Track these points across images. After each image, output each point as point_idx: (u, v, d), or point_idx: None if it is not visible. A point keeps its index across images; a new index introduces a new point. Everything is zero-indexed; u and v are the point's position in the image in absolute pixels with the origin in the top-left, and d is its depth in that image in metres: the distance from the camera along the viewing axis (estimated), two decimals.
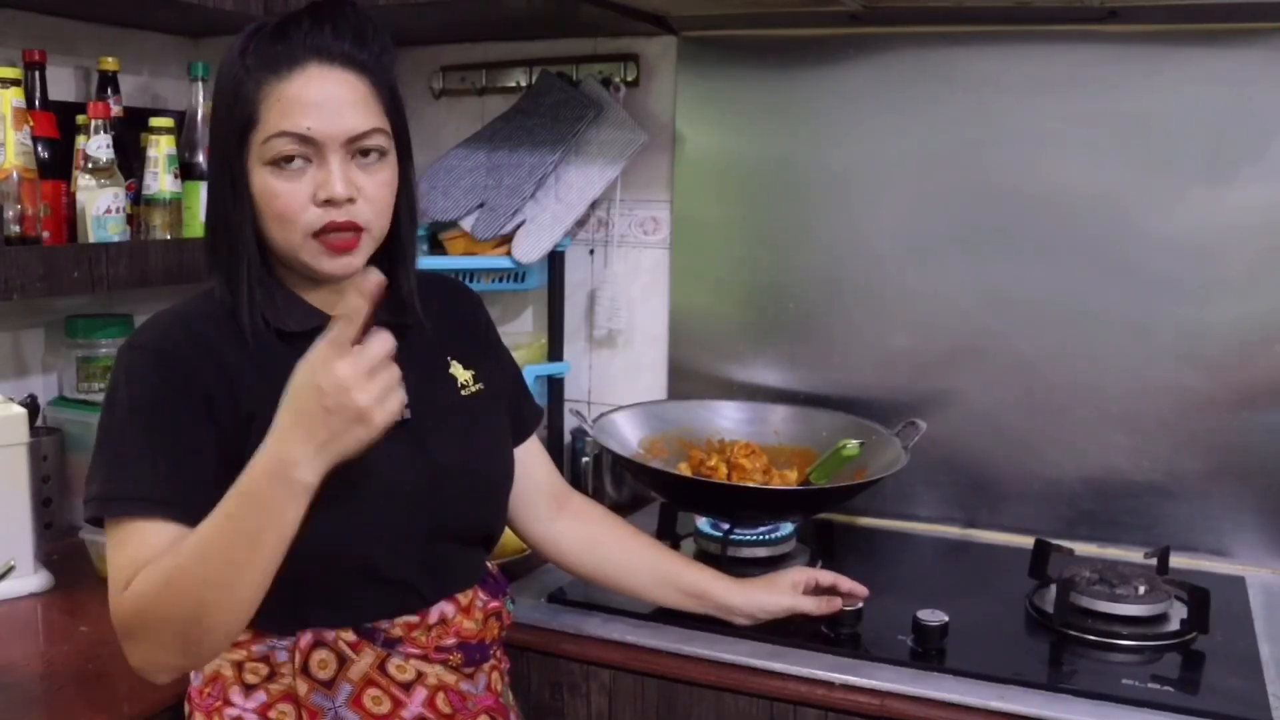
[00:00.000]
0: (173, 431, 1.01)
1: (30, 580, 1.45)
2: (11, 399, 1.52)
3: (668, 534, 1.63)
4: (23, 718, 1.12)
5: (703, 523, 1.60)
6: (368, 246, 1.08)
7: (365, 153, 1.05)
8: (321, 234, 1.04)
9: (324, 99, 1.02)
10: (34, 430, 1.55)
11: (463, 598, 1.14)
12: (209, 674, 1.09)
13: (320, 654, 1.06)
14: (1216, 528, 1.62)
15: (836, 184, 1.79)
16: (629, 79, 1.91)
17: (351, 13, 1.05)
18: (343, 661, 1.06)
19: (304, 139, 1.02)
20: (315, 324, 1.04)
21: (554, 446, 1.99)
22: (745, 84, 1.83)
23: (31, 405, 1.60)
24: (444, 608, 1.12)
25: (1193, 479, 1.63)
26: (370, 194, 1.05)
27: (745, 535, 1.56)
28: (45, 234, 1.51)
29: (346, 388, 0.89)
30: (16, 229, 1.45)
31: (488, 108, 2.01)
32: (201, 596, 0.93)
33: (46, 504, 1.61)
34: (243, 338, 1.06)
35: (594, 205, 1.92)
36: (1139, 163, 1.62)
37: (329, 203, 1.03)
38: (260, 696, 1.07)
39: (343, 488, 0.97)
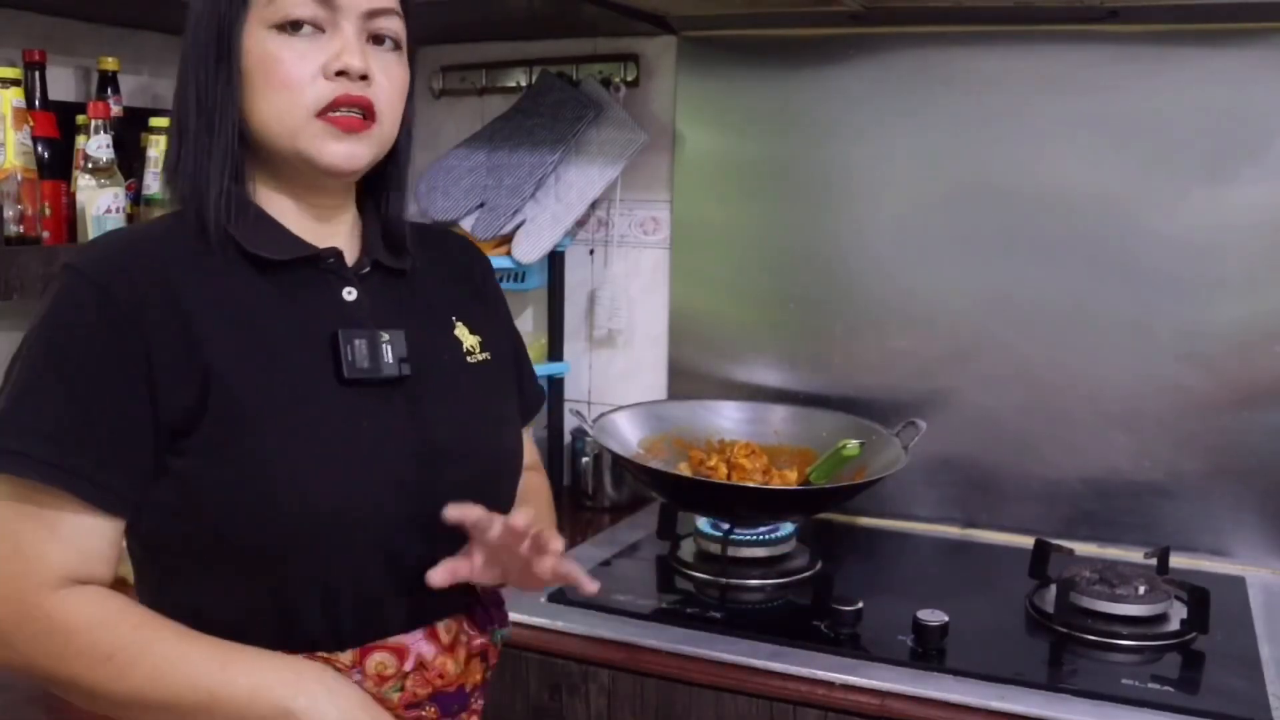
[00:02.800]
0: (104, 392, 0.84)
1: None
2: None
3: (668, 534, 1.63)
4: (23, 718, 1.12)
5: (703, 523, 1.60)
6: (374, 143, 0.93)
7: (380, 39, 0.93)
8: (329, 110, 0.89)
9: None
10: None
11: (445, 633, 0.97)
12: None
13: None
14: (1216, 528, 1.62)
15: (837, 184, 1.79)
16: (629, 79, 1.91)
17: None
18: None
19: (321, 0, 0.89)
20: (298, 254, 0.93)
21: (554, 446, 1.99)
22: (745, 84, 1.83)
23: None
24: (422, 647, 0.95)
25: (1193, 479, 1.63)
26: (383, 82, 0.92)
27: (745, 535, 1.56)
28: (45, 234, 1.51)
29: None
30: (16, 229, 1.45)
31: (488, 108, 2.01)
32: (125, 693, 0.82)
33: None
34: (208, 266, 0.89)
35: (594, 205, 1.92)
36: (1139, 163, 1.62)
37: (341, 74, 0.89)
38: None
39: (310, 457, 0.86)
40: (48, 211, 1.53)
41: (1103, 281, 1.65)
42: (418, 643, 0.95)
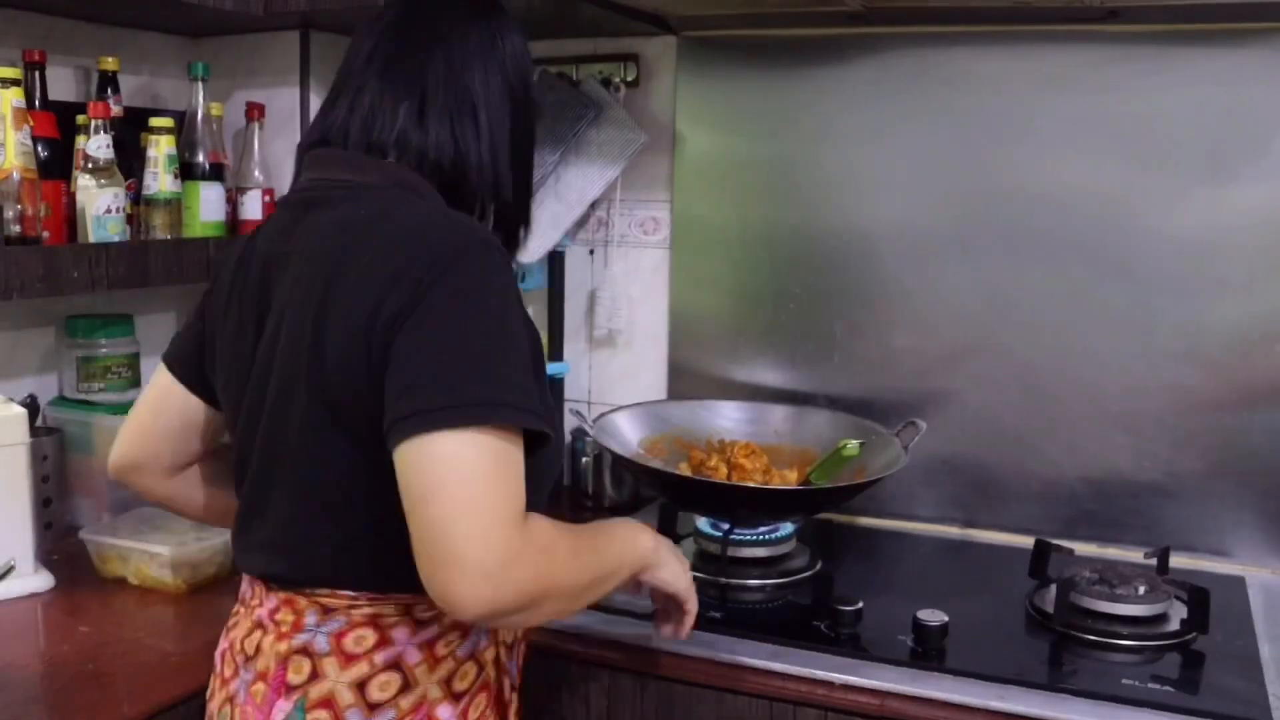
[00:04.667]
0: (527, 349, 0.96)
1: (30, 580, 1.45)
2: (11, 399, 1.52)
3: (668, 534, 1.63)
4: (23, 718, 1.12)
5: (703, 523, 1.60)
6: None
7: None
8: None
9: None
10: (34, 430, 1.55)
11: None
12: (414, 701, 1.02)
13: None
14: (1216, 528, 1.62)
15: (836, 184, 1.79)
16: (629, 79, 1.91)
17: None
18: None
19: None
20: None
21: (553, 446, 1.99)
22: (745, 84, 1.83)
23: (31, 405, 1.60)
24: None
25: (1193, 479, 1.63)
26: None
27: (745, 535, 1.56)
28: (45, 234, 1.50)
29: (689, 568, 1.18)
30: (16, 229, 1.45)
31: None
32: (586, 583, 0.99)
33: (46, 504, 1.61)
34: None
35: (594, 205, 1.93)
36: (1139, 163, 1.62)
37: None
38: (464, 700, 1.05)
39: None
40: (47, 211, 1.53)
41: (1103, 281, 1.65)
42: None
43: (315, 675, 1.00)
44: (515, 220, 1.14)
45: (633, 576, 1.11)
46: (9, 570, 1.40)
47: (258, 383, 1.03)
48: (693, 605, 1.19)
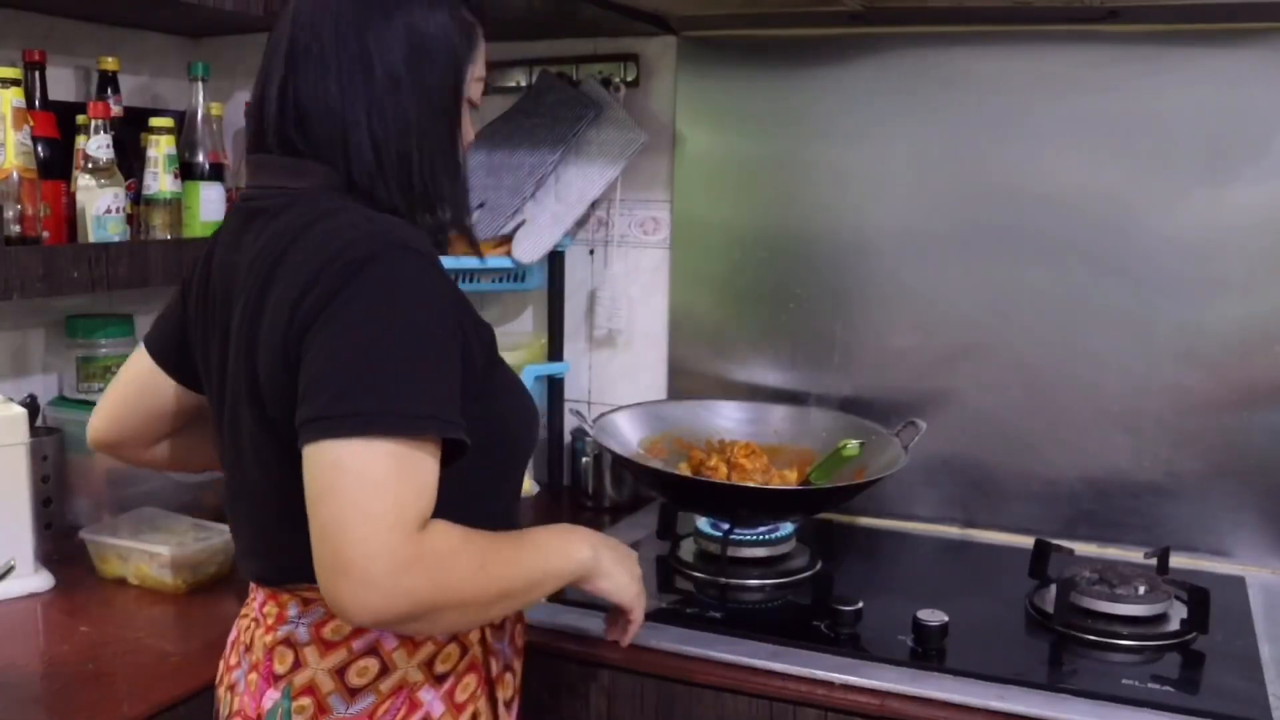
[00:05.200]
0: (450, 352, 0.94)
1: (30, 580, 1.45)
2: (11, 399, 1.52)
3: (668, 534, 1.63)
4: (23, 718, 1.12)
5: (703, 523, 1.60)
6: None
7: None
8: None
9: None
10: (34, 430, 1.55)
11: None
12: (394, 684, 1.03)
13: None
14: (1216, 528, 1.62)
15: (836, 184, 1.79)
16: (629, 79, 1.91)
17: None
18: None
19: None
20: None
21: (554, 446, 2.00)
22: (745, 84, 1.83)
23: (31, 405, 1.60)
24: None
25: (1193, 479, 1.63)
26: None
27: (745, 535, 1.56)
28: (45, 234, 1.50)
29: (637, 576, 1.15)
30: (16, 229, 1.45)
31: (488, 108, 2.00)
32: (494, 594, 0.96)
33: (46, 504, 1.61)
34: None
35: (594, 205, 1.92)
36: (1139, 163, 1.62)
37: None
38: (449, 682, 1.06)
39: (520, 393, 1.06)
40: (47, 211, 1.53)
41: (1103, 281, 1.65)
42: None
43: (298, 664, 1.03)
44: (435, 211, 1.07)
45: (569, 584, 1.07)
46: (9, 570, 1.40)
47: (218, 394, 1.06)
48: (637, 615, 1.17)
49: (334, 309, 0.90)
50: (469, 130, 1.10)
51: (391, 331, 0.90)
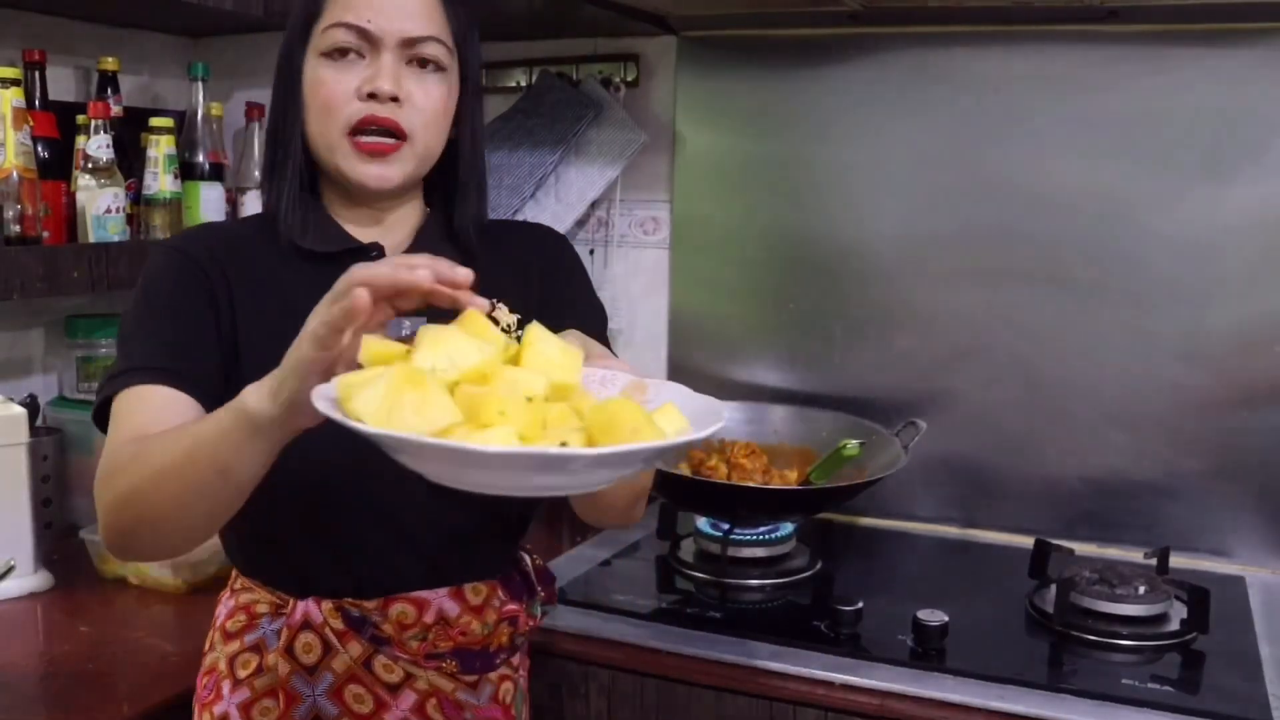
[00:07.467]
0: (177, 315, 1.01)
1: (30, 580, 1.45)
2: (11, 399, 1.52)
3: (668, 534, 1.63)
4: (23, 718, 1.12)
5: (703, 522, 1.60)
6: (407, 161, 1.05)
7: (423, 62, 1.05)
8: (358, 131, 1.02)
9: None
10: (34, 430, 1.55)
11: (473, 594, 1.08)
12: (207, 665, 1.11)
13: (306, 637, 1.03)
14: (1216, 528, 1.62)
15: (836, 184, 1.79)
16: (629, 79, 1.91)
17: None
18: (327, 649, 1.04)
19: (361, 31, 1.02)
20: (341, 247, 1.05)
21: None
22: (745, 84, 1.83)
23: (31, 405, 1.60)
24: (445, 604, 1.06)
25: (1193, 479, 1.63)
26: (419, 102, 1.04)
27: (745, 535, 1.56)
28: (45, 234, 1.51)
29: (326, 300, 0.79)
30: (16, 229, 1.45)
31: (488, 108, 2.00)
32: (151, 470, 0.91)
33: (46, 504, 1.61)
34: (267, 256, 1.06)
35: (594, 205, 1.92)
36: (1139, 163, 1.62)
37: (372, 97, 1.01)
38: (245, 693, 1.06)
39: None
40: (47, 211, 1.53)
41: (1102, 281, 1.65)
42: (440, 599, 1.06)
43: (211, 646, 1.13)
44: (271, 172, 1.09)
45: (254, 426, 0.84)
46: (9, 570, 1.40)
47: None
48: (371, 276, 0.78)
49: None
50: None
51: (130, 314, 1.04)
